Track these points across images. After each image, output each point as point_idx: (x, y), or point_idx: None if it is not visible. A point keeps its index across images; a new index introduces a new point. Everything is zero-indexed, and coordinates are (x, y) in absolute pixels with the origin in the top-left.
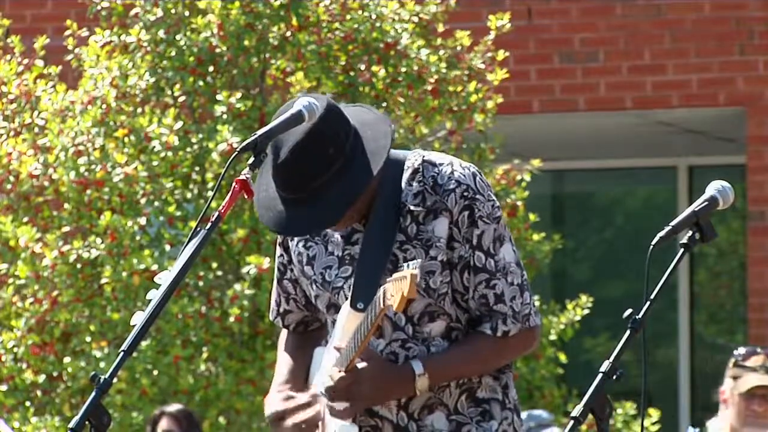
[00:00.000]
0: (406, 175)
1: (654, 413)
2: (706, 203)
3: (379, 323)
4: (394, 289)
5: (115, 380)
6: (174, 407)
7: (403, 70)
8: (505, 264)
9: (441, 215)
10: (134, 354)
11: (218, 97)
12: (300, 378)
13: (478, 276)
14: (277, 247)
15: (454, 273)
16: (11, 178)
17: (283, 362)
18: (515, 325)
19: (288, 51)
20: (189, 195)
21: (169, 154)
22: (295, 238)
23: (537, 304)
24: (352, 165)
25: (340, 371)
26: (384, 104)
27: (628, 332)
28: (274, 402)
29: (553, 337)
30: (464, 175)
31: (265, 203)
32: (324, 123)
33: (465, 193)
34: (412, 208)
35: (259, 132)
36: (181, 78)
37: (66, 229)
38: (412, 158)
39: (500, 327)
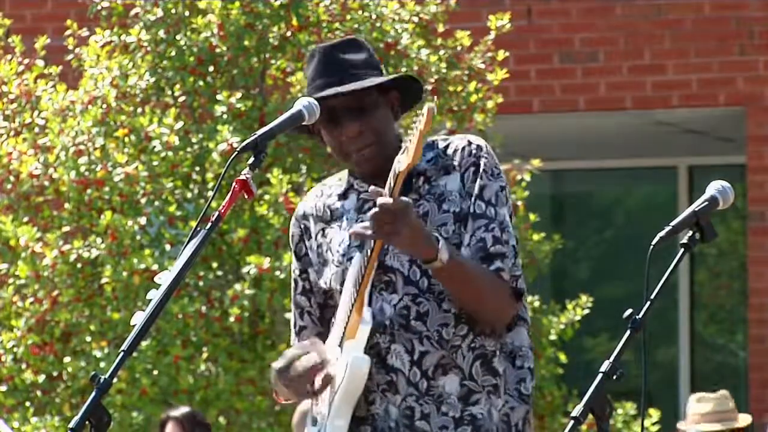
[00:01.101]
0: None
1: (654, 413)
2: (706, 203)
3: (398, 192)
4: (410, 146)
5: (115, 380)
6: (180, 411)
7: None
8: (504, 221)
9: (452, 171)
10: (134, 354)
11: (218, 97)
12: (315, 346)
13: (477, 222)
14: (293, 262)
15: (462, 227)
16: (11, 178)
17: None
18: (507, 273)
19: (288, 51)
20: (189, 195)
21: (170, 154)
22: (313, 234)
23: (537, 304)
24: (378, 72)
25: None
26: None
27: (628, 332)
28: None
29: (553, 337)
30: (476, 140)
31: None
32: (363, 42)
33: (473, 151)
34: (423, 169)
35: (259, 132)
36: (181, 78)
37: (66, 228)
38: (426, 140)
39: (496, 263)
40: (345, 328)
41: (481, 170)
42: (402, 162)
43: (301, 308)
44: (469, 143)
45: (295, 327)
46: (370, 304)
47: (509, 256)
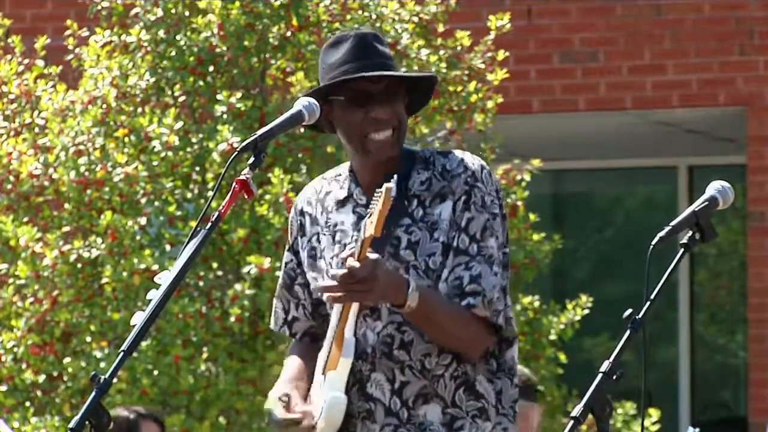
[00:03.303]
0: (416, 165)
1: (654, 413)
2: (706, 203)
3: (365, 254)
4: (373, 216)
5: (115, 380)
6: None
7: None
8: (491, 254)
9: (448, 199)
10: (134, 354)
11: (218, 97)
12: (304, 377)
13: (458, 258)
14: (286, 253)
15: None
16: (11, 178)
17: (290, 363)
18: (484, 310)
19: (288, 51)
20: (189, 195)
21: (170, 153)
22: (308, 234)
23: (537, 304)
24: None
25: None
26: None
27: (628, 332)
28: (274, 404)
29: (553, 337)
30: (472, 164)
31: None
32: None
33: (468, 179)
34: (417, 193)
35: (259, 132)
36: (181, 78)
37: (66, 228)
38: (425, 151)
39: (468, 298)
40: (328, 355)
41: (471, 201)
42: (368, 229)
43: (297, 299)
44: (466, 169)
45: (286, 315)
46: (355, 329)
47: (487, 293)
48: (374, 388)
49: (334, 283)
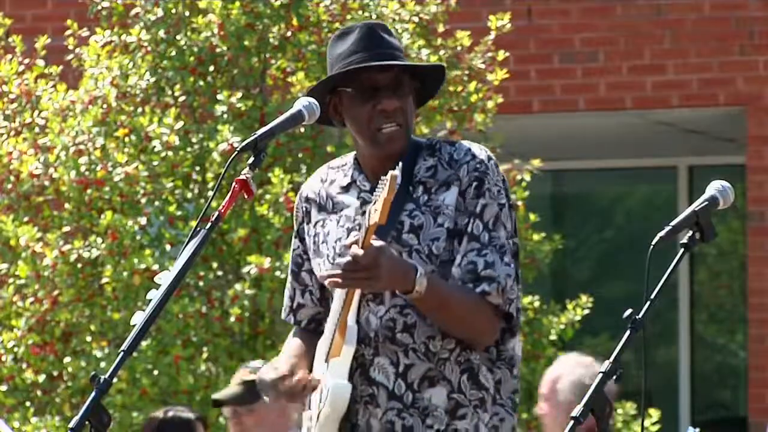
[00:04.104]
0: (422, 152)
1: (654, 413)
2: (706, 203)
3: (369, 242)
4: (378, 204)
5: (115, 380)
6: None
7: None
8: (502, 243)
9: (453, 185)
10: (134, 354)
11: (219, 96)
12: (302, 357)
13: (471, 244)
14: (293, 240)
15: (455, 242)
16: (12, 178)
17: (288, 344)
18: (498, 297)
19: (288, 51)
20: (189, 195)
21: (170, 153)
22: (313, 220)
23: (537, 304)
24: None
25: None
26: None
27: (628, 332)
28: (265, 371)
29: (553, 337)
30: (480, 153)
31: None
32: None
33: (478, 166)
34: (422, 179)
35: (259, 132)
36: (181, 78)
37: (66, 228)
38: (431, 139)
39: (483, 286)
40: (331, 342)
41: (484, 188)
42: (372, 217)
43: (305, 286)
44: (474, 157)
45: (292, 303)
46: (358, 314)
47: (501, 280)
48: (377, 372)
49: (338, 270)
